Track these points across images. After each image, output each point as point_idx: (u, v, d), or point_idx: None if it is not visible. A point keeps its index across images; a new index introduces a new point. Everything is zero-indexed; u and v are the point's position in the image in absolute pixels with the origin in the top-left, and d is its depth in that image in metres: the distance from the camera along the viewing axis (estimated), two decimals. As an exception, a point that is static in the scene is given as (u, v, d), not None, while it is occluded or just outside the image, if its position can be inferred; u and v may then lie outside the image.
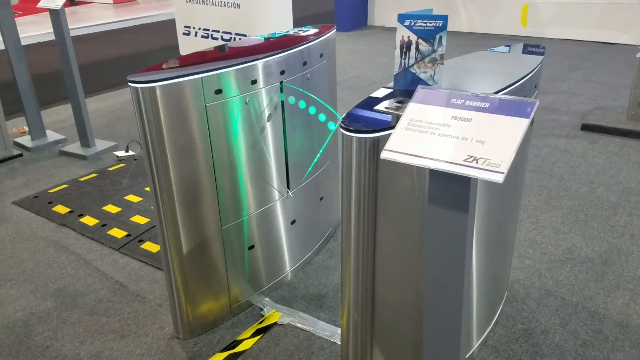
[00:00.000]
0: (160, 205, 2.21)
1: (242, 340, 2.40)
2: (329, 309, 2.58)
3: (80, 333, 2.49)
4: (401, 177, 1.67)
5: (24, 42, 4.50)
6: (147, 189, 3.82)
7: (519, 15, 8.31)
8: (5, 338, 2.47)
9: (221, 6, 4.88)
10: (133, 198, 3.71)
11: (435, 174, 1.27)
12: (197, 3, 5.08)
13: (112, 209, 3.58)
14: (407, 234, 1.76)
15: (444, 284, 1.37)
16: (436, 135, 1.27)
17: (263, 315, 2.55)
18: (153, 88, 2.01)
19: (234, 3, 4.77)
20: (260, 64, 2.29)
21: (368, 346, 1.95)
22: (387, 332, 1.93)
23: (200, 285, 2.40)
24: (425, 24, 1.74)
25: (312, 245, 2.96)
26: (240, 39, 4.78)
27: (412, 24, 1.75)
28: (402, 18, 1.77)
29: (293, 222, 2.73)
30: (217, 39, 5.03)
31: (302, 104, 2.50)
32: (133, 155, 4.43)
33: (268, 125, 2.42)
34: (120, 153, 4.45)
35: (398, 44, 1.82)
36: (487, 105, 1.27)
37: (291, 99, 2.47)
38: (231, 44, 2.79)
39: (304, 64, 2.53)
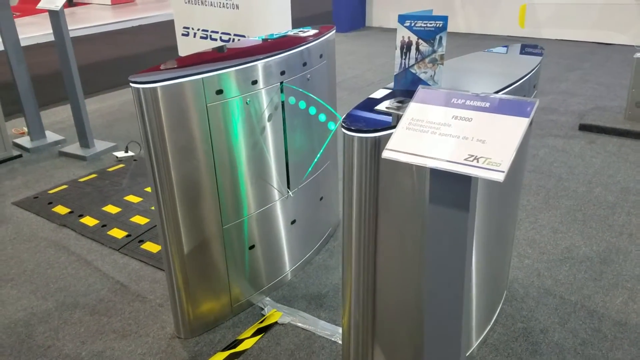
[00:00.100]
0: (162, 205, 2.22)
1: (243, 340, 2.41)
2: (330, 309, 2.59)
3: (81, 333, 2.50)
4: (402, 176, 1.68)
5: (22, 43, 4.50)
6: (147, 189, 3.83)
7: (517, 16, 8.33)
8: (7, 338, 2.48)
9: (220, 7, 4.89)
10: (133, 198, 3.71)
11: (436, 173, 1.28)
12: (196, 4, 5.09)
13: (112, 209, 3.59)
14: (408, 233, 1.78)
15: (445, 283, 1.38)
16: (437, 135, 1.28)
17: (264, 315, 2.56)
18: (154, 88, 2.02)
19: (233, 4, 4.78)
20: (260, 64, 2.30)
21: (369, 345, 1.96)
22: (388, 331, 1.94)
23: (201, 285, 2.41)
24: (425, 25, 1.75)
25: (312, 245, 2.97)
26: (239, 39, 4.79)
27: (413, 24, 1.76)
28: (402, 19, 1.78)
29: (293, 222, 2.74)
30: (216, 39, 5.04)
31: (302, 105, 2.51)
32: (132, 155, 4.43)
33: (268, 125, 2.43)
34: (120, 154, 4.45)
35: (398, 44, 1.83)
36: (488, 104, 1.28)
37: (291, 100, 2.48)
38: (231, 44, 2.80)
39: (304, 64, 2.55)
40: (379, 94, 1.86)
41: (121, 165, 4.27)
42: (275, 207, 2.60)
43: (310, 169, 2.74)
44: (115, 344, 2.42)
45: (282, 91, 2.44)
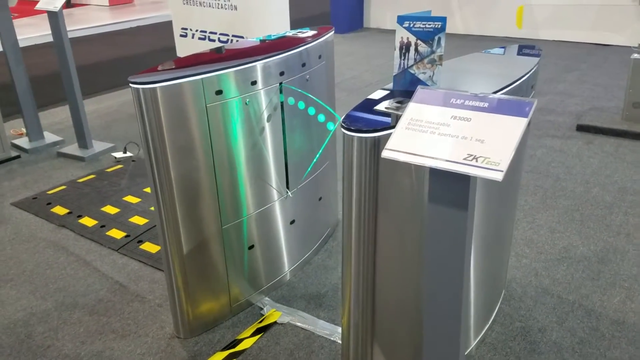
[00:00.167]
0: (161, 205, 2.23)
1: (242, 339, 2.42)
2: (329, 308, 2.60)
3: (80, 333, 2.50)
4: (401, 176, 1.69)
5: (20, 44, 4.50)
6: (146, 189, 3.83)
7: (515, 17, 8.35)
8: (6, 338, 2.48)
9: (218, 8, 4.90)
10: (131, 199, 3.72)
11: (435, 173, 1.30)
12: (194, 5, 5.09)
13: (110, 209, 3.59)
14: (407, 232, 1.79)
15: (444, 282, 1.39)
16: (436, 135, 1.29)
17: (263, 315, 2.57)
18: (154, 89, 2.03)
19: (231, 5, 4.79)
20: (260, 65, 2.31)
21: (368, 344, 1.97)
22: (388, 330, 1.95)
23: (200, 285, 2.42)
24: (424, 26, 1.76)
25: (311, 245, 2.98)
26: (237, 40, 4.79)
27: (412, 25, 1.78)
28: (401, 19, 1.79)
29: (292, 222, 2.74)
30: (214, 40, 5.04)
31: (301, 105, 2.52)
32: (131, 156, 4.44)
33: (268, 125, 2.44)
34: (118, 154, 4.46)
35: (397, 45, 1.84)
36: (486, 105, 1.29)
37: (290, 100, 2.49)
38: (230, 45, 2.81)
39: (303, 65, 2.56)
40: (377, 94, 1.88)
41: (120, 166, 4.28)
42: (274, 207, 2.61)
43: (309, 169, 2.75)
44: (114, 344, 2.42)
45: (281, 92, 2.45)
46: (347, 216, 1.78)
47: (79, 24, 10.58)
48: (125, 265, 3.00)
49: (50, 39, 4.21)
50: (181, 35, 5.34)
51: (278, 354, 2.33)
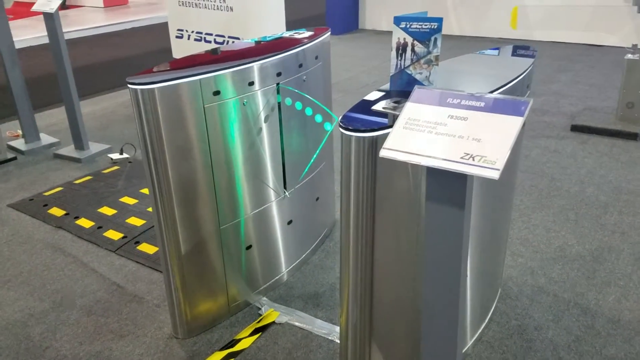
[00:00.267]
0: (159, 205, 2.23)
1: (240, 339, 2.43)
2: (326, 308, 2.61)
3: (79, 334, 2.50)
4: (399, 175, 1.70)
5: (16, 46, 4.49)
6: (142, 190, 3.84)
7: (509, 18, 8.39)
8: (4, 339, 2.48)
9: (214, 9, 4.90)
10: (128, 200, 3.72)
11: (432, 172, 1.31)
12: (190, 6, 5.10)
13: (107, 211, 3.59)
14: (405, 231, 1.80)
15: (441, 280, 1.41)
16: (433, 134, 1.31)
17: (261, 315, 2.57)
18: (152, 89, 2.04)
19: (227, 6, 4.80)
20: (257, 66, 2.33)
21: (367, 343, 1.98)
22: (386, 328, 1.96)
23: (198, 285, 2.43)
24: (420, 26, 1.78)
25: (309, 245, 2.99)
26: (233, 42, 4.80)
27: (408, 26, 1.79)
28: (398, 20, 1.81)
29: (290, 222, 2.76)
30: (210, 41, 5.05)
31: (298, 106, 2.53)
32: (127, 157, 4.44)
33: (265, 126, 2.45)
34: (115, 155, 4.46)
35: (394, 45, 1.86)
36: (483, 104, 1.31)
37: (288, 101, 2.50)
38: (227, 46, 2.82)
39: (300, 65, 2.57)
40: (373, 95, 1.89)
41: (116, 167, 4.28)
42: (271, 207, 2.62)
43: (306, 170, 2.76)
44: (113, 345, 2.43)
45: (278, 92, 2.46)
46: (345, 215, 1.79)
47: (74, 26, 10.56)
48: (122, 266, 3.00)
49: (45, 40, 4.21)
50: (177, 37, 5.34)
51: (276, 354, 2.34)
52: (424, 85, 1.87)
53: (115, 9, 13.14)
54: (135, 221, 3.44)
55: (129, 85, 2.05)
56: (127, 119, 5.43)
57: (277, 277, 2.77)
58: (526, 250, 3.01)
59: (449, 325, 1.44)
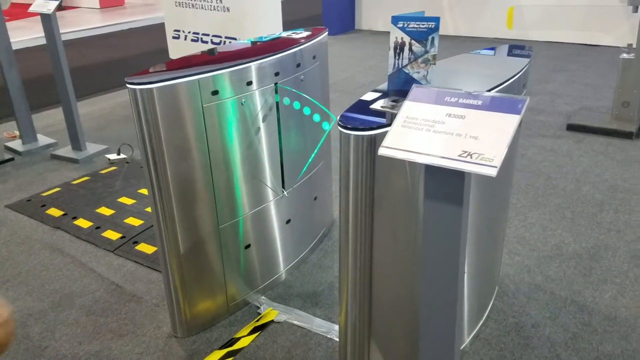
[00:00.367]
0: (158, 205, 2.24)
1: (239, 338, 2.43)
2: (325, 306, 2.63)
3: (78, 333, 2.51)
4: (397, 173, 1.72)
5: (13, 47, 4.49)
6: (140, 191, 3.84)
7: (505, 18, 8.42)
8: (3, 339, 2.48)
9: (211, 10, 4.91)
10: (126, 200, 3.73)
11: (430, 170, 1.32)
12: (186, 7, 5.11)
13: (105, 211, 3.60)
14: (403, 229, 1.81)
15: (440, 278, 1.42)
16: (431, 132, 1.32)
17: (260, 313, 2.58)
18: (151, 89, 2.05)
19: (224, 7, 4.80)
20: (255, 65, 2.34)
21: (365, 341, 1.99)
22: (384, 326, 1.97)
23: (197, 284, 2.44)
24: (418, 26, 1.79)
25: (307, 244, 3.01)
26: (230, 42, 4.81)
27: (406, 25, 1.81)
28: (395, 20, 1.82)
29: (288, 222, 2.77)
30: (207, 42, 5.05)
31: (296, 105, 2.54)
32: (125, 158, 4.44)
33: (263, 125, 2.46)
34: (112, 156, 4.46)
35: (392, 45, 1.87)
36: (480, 102, 1.32)
37: (286, 100, 2.51)
38: (225, 47, 2.83)
39: (298, 65, 2.58)
40: (370, 95, 1.90)
41: (114, 168, 4.28)
42: (270, 206, 2.63)
43: (304, 169, 2.77)
44: (112, 344, 2.44)
45: (276, 92, 2.47)
46: (344, 213, 1.80)
47: (70, 27, 10.54)
48: (121, 266, 3.01)
49: (42, 41, 4.21)
50: (174, 37, 5.35)
51: (275, 352, 2.35)
52: (421, 84, 1.88)
53: (111, 9, 13.12)
54: (133, 221, 3.44)
55: (128, 85, 2.06)
56: (124, 119, 5.43)
57: (275, 276, 2.78)
58: (523, 248, 3.03)
59: (447, 323, 1.45)
